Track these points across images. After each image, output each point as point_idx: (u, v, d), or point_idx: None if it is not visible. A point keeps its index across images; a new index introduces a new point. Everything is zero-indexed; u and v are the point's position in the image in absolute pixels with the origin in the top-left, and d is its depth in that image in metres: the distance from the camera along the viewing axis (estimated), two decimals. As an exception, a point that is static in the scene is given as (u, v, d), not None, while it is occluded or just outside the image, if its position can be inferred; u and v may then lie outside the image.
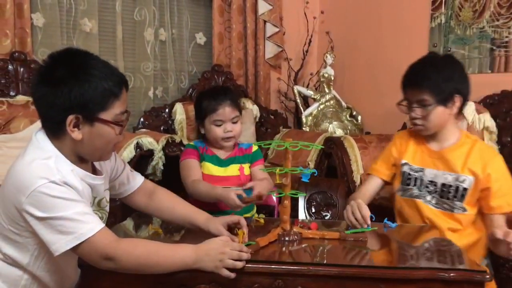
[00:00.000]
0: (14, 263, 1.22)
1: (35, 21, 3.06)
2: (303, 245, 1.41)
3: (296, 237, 1.42)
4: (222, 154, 1.95)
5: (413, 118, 1.73)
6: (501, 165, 1.71)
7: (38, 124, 2.72)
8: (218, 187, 1.71)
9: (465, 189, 1.69)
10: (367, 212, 1.53)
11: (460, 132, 1.79)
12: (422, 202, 1.77)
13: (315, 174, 1.46)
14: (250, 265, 1.22)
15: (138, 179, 1.49)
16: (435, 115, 1.68)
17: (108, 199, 1.38)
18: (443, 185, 1.73)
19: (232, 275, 1.18)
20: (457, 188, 1.70)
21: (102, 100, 1.16)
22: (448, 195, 1.72)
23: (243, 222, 1.42)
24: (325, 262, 1.36)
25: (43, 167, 1.13)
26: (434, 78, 1.66)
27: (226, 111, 1.88)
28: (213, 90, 2.00)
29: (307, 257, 1.38)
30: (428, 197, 1.77)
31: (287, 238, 1.41)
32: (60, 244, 1.11)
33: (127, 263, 1.15)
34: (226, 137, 1.90)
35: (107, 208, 1.39)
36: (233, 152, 1.98)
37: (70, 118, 1.14)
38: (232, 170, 1.93)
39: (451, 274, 1.19)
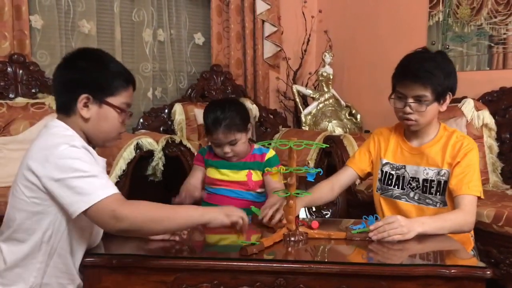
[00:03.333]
0: (32, 244, 1.25)
1: (33, 23, 3.06)
2: (308, 245, 1.41)
3: (301, 237, 1.42)
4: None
5: (407, 113, 1.68)
6: (471, 155, 1.67)
7: (38, 126, 2.72)
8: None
9: (446, 182, 1.69)
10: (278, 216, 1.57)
11: (439, 126, 1.78)
12: (403, 202, 1.77)
13: (320, 174, 1.46)
14: (251, 264, 1.22)
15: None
16: (430, 111, 1.67)
17: None
18: (425, 180, 1.73)
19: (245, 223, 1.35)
20: (439, 182, 1.70)
21: (112, 86, 1.32)
22: (431, 190, 1.72)
23: (245, 222, 1.42)
24: (326, 260, 1.36)
25: (63, 136, 1.26)
26: (436, 74, 1.63)
27: (220, 136, 1.82)
28: (215, 108, 1.86)
29: (308, 255, 1.39)
30: (411, 194, 1.76)
31: (292, 238, 1.41)
32: (78, 205, 1.18)
33: (136, 219, 1.21)
34: (226, 156, 1.88)
35: None
36: (245, 157, 1.94)
37: (82, 96, 1.28)
38: (240, 175, 1.90)
39: (452, 271, 1.20)
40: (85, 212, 1.19)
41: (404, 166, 1.78)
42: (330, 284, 1.22)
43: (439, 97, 1.67)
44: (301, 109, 3.77)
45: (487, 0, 2.97)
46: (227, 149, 1.84)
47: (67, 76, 1.32)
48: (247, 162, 1.92)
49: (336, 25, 4.03)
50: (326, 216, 2.16)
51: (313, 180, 1.44)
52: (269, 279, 1.22)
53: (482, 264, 1.24)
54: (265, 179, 1.92)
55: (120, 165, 2.44)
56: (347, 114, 3.76)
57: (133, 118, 3.41)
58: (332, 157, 3.09)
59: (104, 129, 1.34)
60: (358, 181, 2.18)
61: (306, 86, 3.98)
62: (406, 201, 1.77)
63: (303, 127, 3.68)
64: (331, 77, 3.78)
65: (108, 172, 2.03)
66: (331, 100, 3.75)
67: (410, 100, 1.66)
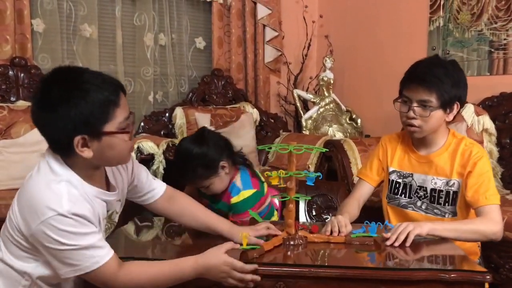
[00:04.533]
0: (16, 267, 1.22)
1: (35, 26, 3.07)
2: (307, 249, 1.41)
3: (301, 241, 1.42)
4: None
5: (410, 117, 1.64)
6: (483, 163, 1.63)
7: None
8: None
9: (455, 193, 1.66)
10: (349, 229, 1.51)
11: (448, 133, 1.73)
12: (410, 211, 1.74)
13: (320, 178, 1.46)
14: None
15: (160, 187, 1.48)
16: (434, 118, 1.63)
17: (118, 210, 1.39)
18: (433, 190, 1.69)
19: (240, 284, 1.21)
20: (447, 193, 1.67)
21: (102, 112, 1.13)
22: (439, 200, 1.68)
23: (273, 231, 1.43)
24: (325, 264, 1.36)
25: (54, 196, 1.11)
26: (444, 81, 1.60)
27: (192, 184, 1.83)
28: (178, 160, 1.82)
29: (308, 259, 1.39)
30: (419, 203, 1.73)
31: (292, 242, 1.41)
32: (66, 271, 1.14)
33: None
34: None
35: (116, 219, 1.40)
36: (223, 194, 1.86)
37: (77, 139, 1.12)
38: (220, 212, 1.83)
39: (452, 275, 1.20)
40: (78, 275, 1.15)
41: (412, 174, 1.74)
42: (330, 288, 1.22)
43: (445, 105, 1.62)
44: (302, 113, 3.78)
45: (488, 5, 2.98)
46: (203, 190, 1.80)
47: (51, 121, 1.12)
48: (222, 202, 1.85)
49: (336, 30, 4.04)
50: (326, 221, 2.15)
51: (312, 184, 1.44)
52: (269, 283, 1.22)
53: (482, 269, 1.24)
54: None
55: (121, 169, 2.44)
56: (347, 119, 3.76)
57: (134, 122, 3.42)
58: (332, 162, 3.09)
59: (114, 156, 1.20)
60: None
61: (306, 90, 3.99)
62: (413, 210, 1.74)
63: (303, 132, 3.68)
64: (332, 82, 3.79)
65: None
66: (331, 105, 3.76)
67: (415, 104, 1.62)
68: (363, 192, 1.85)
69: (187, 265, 1.20)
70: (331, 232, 1.49)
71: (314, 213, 2.18)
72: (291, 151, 1.40)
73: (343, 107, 3.79)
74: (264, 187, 1.94)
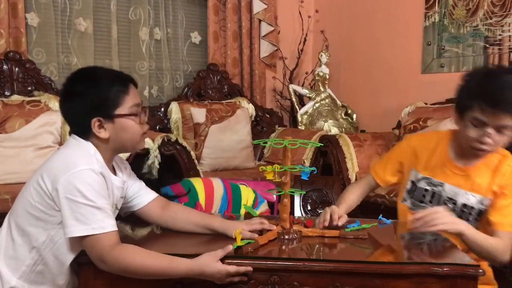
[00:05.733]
0: (27, 241, 1.28)
1: (29, 20, 3.06)
2: (302, 243, 1.41)
3: (296, 235, 1.42)
4: None
5: (484, 142, 1.45)
6: None
7: (34, 124, 2.71)
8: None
9: (486, 211, 1.55)
10: (344, 220, 1.50)
11: None
12: None
13: (314, 172, 1.46)
14: (246, 261, 1.23)
15: (152, 193, 1.53)
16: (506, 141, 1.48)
17: (119, 207, 1.43)
18: (464, 205, 1.56)
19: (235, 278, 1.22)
20: (479, 211, 1.55)
21: (113, 98, 1.32)
22: (469, 216, 1.56)
23: (267, 226, 1.43)
24: (320, 258, 1.37)
25: (86, 156, 1.28)
26: None
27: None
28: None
29: (302, 253, 1.39)
30: None
31: (286, 237, 1.41)
32: (74, 229, 1.21)
33: (117, 270, 1.22)
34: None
35: (115, 214, 1.42)
36: None
37: (94, 121, 1.30)
38: None
39: (445, 269, 1.20)
40: (81, 238, 1.21)
41: (443, 184, 1.59)
42: (324, 281, 1.22)
43: None
44: (297, 108, 3.78)
45: (483, 1, 2.99)
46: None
47: (73, 108, 1.34)
48: None
49: (332, 25, 4.04)
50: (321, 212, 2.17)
51: (307, 179, 1.44)
52: (263, 276, 1.23)
53: (474, 263, 1.25)
54: None
55: (116, 163, 2.44)
56: (343, 114, 3.77)
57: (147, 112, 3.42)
58: (327, 157, 3.10)
59: (127, 139, 1.36)
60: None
61: (302, 85, 3.99)
62: None
63: (299, 127, 3.69)
64: (327, 77, 3.79)
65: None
66: (327, 100, 3.77)
67: (491, 130, 1.43)
68: (369, 186, 1.80)
69: (183, 264, 1.21)
70: (324, 222, 1.48)
71: (309, 208, 2.20)
72: (286, 145, 1.41)
73: (338, 102, 3.79)
74: (197, 192, 2.06)
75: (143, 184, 1.53)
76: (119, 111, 1.32)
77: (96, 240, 1.20)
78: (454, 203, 1.58)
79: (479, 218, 1.56)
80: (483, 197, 1.54)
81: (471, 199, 1.56)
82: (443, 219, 1.40)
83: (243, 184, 2.29)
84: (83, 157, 1.27)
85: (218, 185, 2.15)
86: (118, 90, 1.33)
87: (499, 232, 1.49)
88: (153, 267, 1.21)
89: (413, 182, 1.66)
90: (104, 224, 1.22)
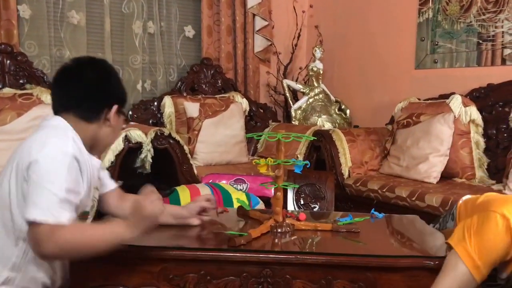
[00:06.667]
0: (11, 235, 1.24)
1: (21, 12, 3.02)
2: (294, 237, 1.41)
3: (288, 228, 1.43)
4: None
5: None
6: None
7: (26, 116, 2.66)
8: None
9: None
10: None
11: None
12: None
13: (307, 166, 1.47)
14: (238, 254, 1.23)
15: (113, 183, 1.55)
16: None
17: (99, 188, 1.45)
18: None
19: None
20: None
21: (124, 100, 1.43)
22: None
23: (210, 205, 1.52)
24: (312, 251, 1.37)
25: (62, 135, 1.27)
26: None
27: None
28: None
29: (295, 246, 1.39)
30: None
31: (279, 230, 1.42)
32: (32, 213, 1.14)
33: (66, 254, 1.20)
34: None
35: (96, 195, 1.44)
36: None
37: (115, 106, 1.36)
38: None
39: (436, 262, 1.21)
40: (31, 225, 1.15)
41: None
42: (316, 274, 1.23)
43: None
44: (291, 103, 3.78)
45: (477, -3, 3.00)
46: None
47: (100, 86, 1.36)
48: None
49: (327, 20, 4.04)
50: (314, 210, 2.17)
51: (300, 172, 1.45)
52: (256, 269, 1.23)
53: (466, 256, 1.25)
54: None
55: (109, 157, 2.42)
56: (336, 109, 3.77)
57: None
58: (321, 152, 3.11)
59: (113, 137, 1.44)
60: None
61: (296, 80, 3.99)
62: None
63: (292, 122, 3.69)
64: (321, 72, 3.79)
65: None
66: (321, 95, 3.77)
67: None
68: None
69: (119, 224, 1.24)
70: None
71: (302, 202, 2.20)
72: (279, 139, 1.41)
73: (332, 97, 3.80)
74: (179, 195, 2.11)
75: (106, 172, 1.56)
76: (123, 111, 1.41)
77: (49, 229, 1.13)
78: None
79: None
80: None
81: None
82: None
83: (237, 185, 2.29)
84: (58, 137, 1.25)
85: (204, 189, 2.17)
86: (125, 98, 1.43)
87: None
88: (96, 236, 1.19)
89: None
90: (63, 214, 1.16)
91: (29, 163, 1.19)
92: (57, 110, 1.35)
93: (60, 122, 1.31)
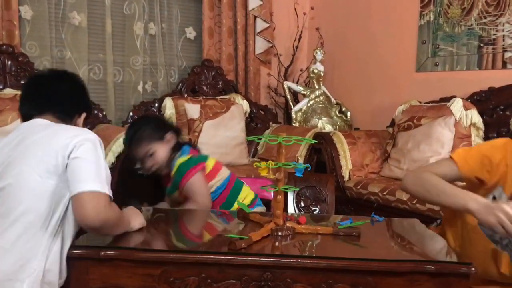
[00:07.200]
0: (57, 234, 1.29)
1: (23, 13, 3.03)
2: (295, 240, 1.41)
3: (289, 232, 1.42)
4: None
5: None
6: None
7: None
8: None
9: None
10: None
11: None
12: (505, 255, 1.40)
13: (308, 169, 1.47)
14: (239, 258, 1.23)
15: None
16: None
17: None
18: None
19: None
20: None
21: (91, 111, 1.60)
22: None
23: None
24: (313, 254, 1.37)
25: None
26: None
27: (135, 153, 2.03)
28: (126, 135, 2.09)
29: (295, 250, 1.39)
30: None
31: (280, 233, 1.41)
32: (91, 185, 1.24)
33: (107, 228, 1.31)
34: (150, 172, 2.03)
35: None
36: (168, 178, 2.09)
37: (85, 113, 1.52)
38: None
39: (437, 267, 1.21)
40: (78, 195, 1.23)
41: None
42: (316, 278, 1.22)
43: None
44: (292, 105, 3.78)
45: (478, 1, 3.00)
46: (148, 162, 2.01)
47: (73, 91, 1.51)
48: (173, 182, 2.04)
49: (328, 22, 4.04)
50: (315, 212, 2.17)
51: (301, 176, 1.44)
52: (256, 273, 1.22)
53: (467, 261, 1.25)
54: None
55: (109, 159, 2.43)
56: (337, 112, 3.77)
57: (123, 111, 3.40)
58: (321, 154, 3.11)
59: None
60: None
61: (297, 82, 3.99)
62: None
63: (293, 124, 3.69)
64: (322, 74, 3.79)
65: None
66: (321, 97, 3.77)
67: None
68: (447, 172, 1.43)
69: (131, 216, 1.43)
70: None
71: (302, 205, 2.19)
72: (280, 142, 1.40)
73: (333, 100, 3.80)
74: (209, 158, 2.10)
75: None
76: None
77: (100, 198, 1.24)
78: None
79: None
80: None
81: None
82: None
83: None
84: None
85: (226, 170, 2.20)
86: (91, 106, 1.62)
87: None
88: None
89: (494, 198, 1.39)
90: (107, 186, 1.29)
91: (74, 146, 1.27)
92: (31, 114, 1.42)
93: (49, 122, 1.40)
